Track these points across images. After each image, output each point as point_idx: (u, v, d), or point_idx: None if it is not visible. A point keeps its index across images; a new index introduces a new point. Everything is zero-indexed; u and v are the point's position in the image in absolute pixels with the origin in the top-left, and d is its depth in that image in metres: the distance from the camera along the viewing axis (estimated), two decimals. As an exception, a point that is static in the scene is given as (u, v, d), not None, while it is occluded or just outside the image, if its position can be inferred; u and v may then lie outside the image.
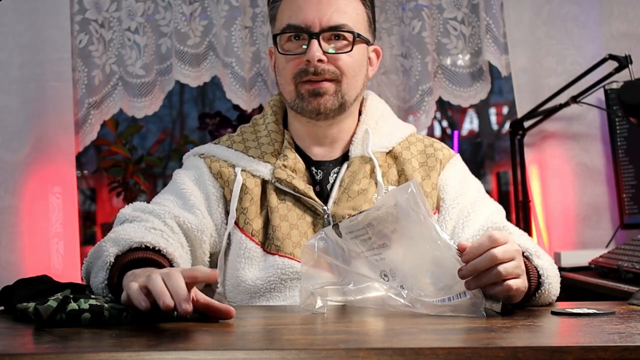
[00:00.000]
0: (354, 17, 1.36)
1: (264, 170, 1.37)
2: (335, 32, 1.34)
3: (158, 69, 2.18)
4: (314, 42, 1.32)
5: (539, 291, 1.14)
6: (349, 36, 1.34)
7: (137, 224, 1.28)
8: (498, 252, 1.01)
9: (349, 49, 1.34)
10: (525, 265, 1.09)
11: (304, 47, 1.34)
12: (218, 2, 2.16)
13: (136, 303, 0.95)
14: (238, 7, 2.17)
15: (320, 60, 1.32)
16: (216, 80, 2.21)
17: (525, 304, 1.13)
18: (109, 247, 1.16)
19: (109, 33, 2.17)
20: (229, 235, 1.36)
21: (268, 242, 1.32)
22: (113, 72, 2.17)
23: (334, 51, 1.34)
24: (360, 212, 1.09)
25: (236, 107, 2.27)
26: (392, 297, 1.06)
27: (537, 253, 1.20)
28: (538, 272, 1.15)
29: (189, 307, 0.92)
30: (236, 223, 1.35)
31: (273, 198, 1.35)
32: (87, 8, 2.16)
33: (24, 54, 2.12)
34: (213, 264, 1.37)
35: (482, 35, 2.14)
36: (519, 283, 1.04)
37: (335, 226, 1.10)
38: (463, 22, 2.17)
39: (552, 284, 1.16)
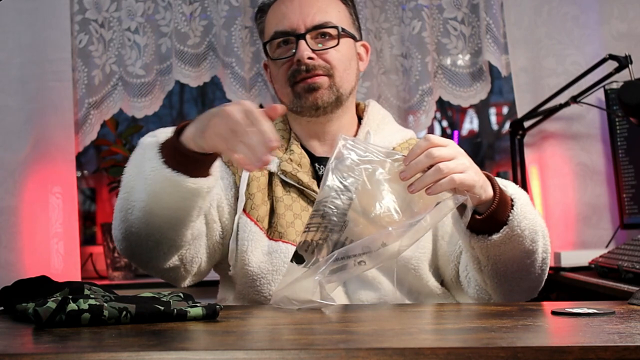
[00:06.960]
0: (335, 15, 1.42)
1: (271, 162, 1.39)
2: (320, 30, 1.40)
3: (158, 69, 2.18)
4: (302, 42, 1.38)
5: (512, 212, 1.17)
6: (334, 31, 1.40)
7: None
8: (435, 150, 1.08)
9: (335, 43, 1.40)
10: (501, 194, 1.16)
11: (293, 50, 1.39)
12: (218, 2, 2.17)
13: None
14: (238, 7, 2.17)
15: (310, 58, 1.38)
16: (216, 80, 2.21)
17: (502, 229, 1.17)
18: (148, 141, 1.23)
19: (109, 33, 2.17)
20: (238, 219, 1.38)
21: (272, 230, 1.36)
22: (113, 72, 2.17)
23: (321, 46, 1.39)
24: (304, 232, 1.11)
25: (236, 107, 2.27)
26: (382, 252, 1.07)
27: (513, 189, 1.23)
28: (511, 198, 1.19)
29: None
30: (243, 209, 1.38)
31: (279, 189, 1.38)
32: (87, 8, 2.16)
33: (24, 54, 2.12)
34: (225, 248, 1.38)
35: (482, 35, 2.14)
36: (463, 177, 1.08)
37: (295, 256, 1.11)
38: (463, 22, 2.17)
39: (525, 205, 1.20)
